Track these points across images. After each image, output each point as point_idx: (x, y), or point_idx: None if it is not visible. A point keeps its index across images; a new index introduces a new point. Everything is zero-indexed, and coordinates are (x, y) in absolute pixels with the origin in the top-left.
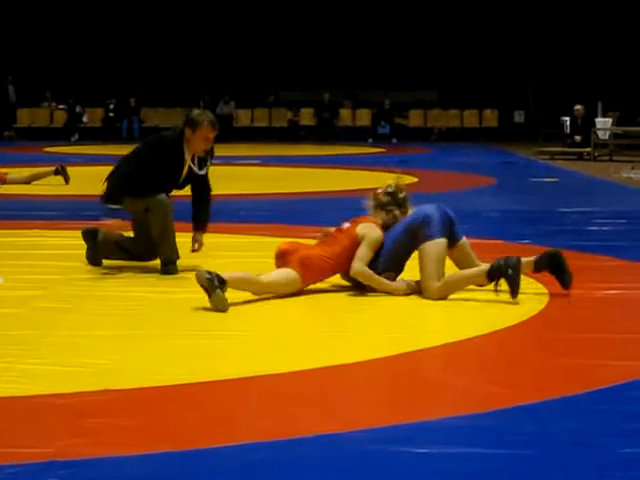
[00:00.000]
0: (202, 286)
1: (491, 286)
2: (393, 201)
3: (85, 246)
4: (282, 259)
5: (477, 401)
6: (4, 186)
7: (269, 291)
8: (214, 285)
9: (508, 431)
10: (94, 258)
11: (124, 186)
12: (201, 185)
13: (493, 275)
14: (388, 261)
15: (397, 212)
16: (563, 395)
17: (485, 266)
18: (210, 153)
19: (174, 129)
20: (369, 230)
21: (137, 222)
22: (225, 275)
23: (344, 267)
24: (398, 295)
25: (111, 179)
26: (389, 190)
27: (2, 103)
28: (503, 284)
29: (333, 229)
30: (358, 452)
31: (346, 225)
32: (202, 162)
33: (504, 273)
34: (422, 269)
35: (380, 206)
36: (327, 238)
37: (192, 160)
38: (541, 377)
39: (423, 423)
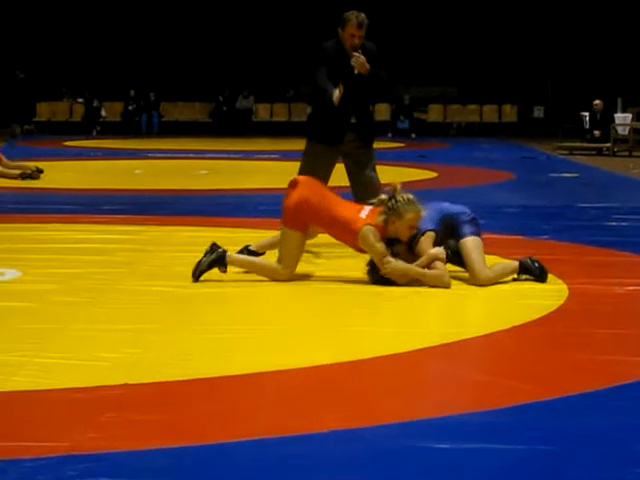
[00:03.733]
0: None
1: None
2: (386, 209)
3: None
4: (292, 188)
5: (495, 397)
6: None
7: (260, 273)
8: (210, 251)
9: (526, 427)
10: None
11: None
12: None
13: (523, 270)
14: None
15: (393, 218)
16: (582, 391)
17: (514, 261)
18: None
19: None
20: (367, 244)
21: None
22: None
23: (333, 230)
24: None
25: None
26: (382, 199)
27: (21, 98)
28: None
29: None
30: (374, 448)
31: (365, 212)
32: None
33: (533, 269)
34: (473, 261)
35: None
36: (348, 202)
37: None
38: (560, 373)
39: (441, 418)
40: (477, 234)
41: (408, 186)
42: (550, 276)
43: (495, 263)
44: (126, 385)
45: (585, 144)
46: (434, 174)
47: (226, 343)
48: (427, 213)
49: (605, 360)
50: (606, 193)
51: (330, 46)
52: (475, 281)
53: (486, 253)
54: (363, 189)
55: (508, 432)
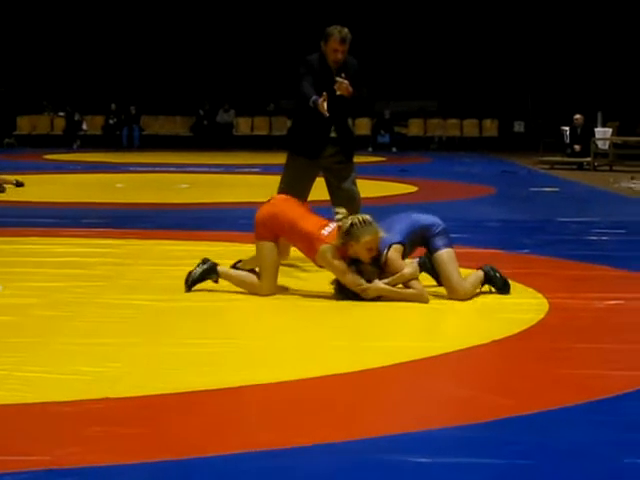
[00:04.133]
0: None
1: (491, 296)
2: (342, 236)
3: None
4: (265, 203)
5: (476, 411)
6: None
7: (242, 287)
8: (201, 265)
9: (507, 441)
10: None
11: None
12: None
13: (485, 280)
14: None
15: (350, 242)
16: (562, 405)
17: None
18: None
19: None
20: (325, 262)
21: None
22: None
23: (296, 244)
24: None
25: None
26: (339, 219)
27: (2, 111)
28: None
29: (323, 220)
30: (357, 461)
31: (328, 229)
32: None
33: (492, 276)
34: (450, 275)
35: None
36: (315, 218)
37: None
38: (540, 387)
39: (422, 432)
40: (450, 246)
41: (389, 200)
42: (530, 290)
43: (466, 275)
44: (108, 399)
45: (566, 158)
46: (415, 188)
47: (207, 357)
48: (394, 226)
49: (585, 374)
50: (586, 207)
51: (314, 59)
52: (454, 295)
53: (465, 267)
54: (344, 203)
55: (488, 446)
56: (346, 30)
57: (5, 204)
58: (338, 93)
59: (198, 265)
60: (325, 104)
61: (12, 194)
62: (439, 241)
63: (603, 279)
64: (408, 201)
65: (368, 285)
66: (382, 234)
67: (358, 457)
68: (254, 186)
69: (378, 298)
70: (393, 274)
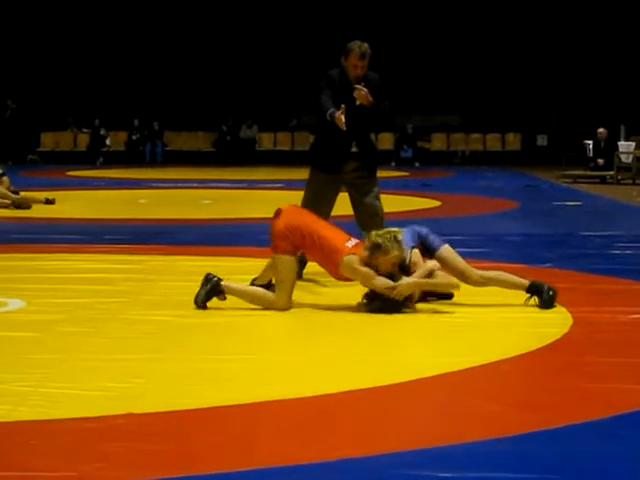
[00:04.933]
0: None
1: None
2: (372, 246)
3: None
4: (277, 217)
5: (501, 425)
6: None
7: (255, 302)
8: (206, 282)
9: (533, 455)
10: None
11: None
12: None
13: (533, 289)
14: None
15: (378, 255)
16: (588, 420)
17: (526, 280)
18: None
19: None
20: (351, 270)
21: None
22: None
23: (316, 256)
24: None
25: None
26: (369, 238)
27: (25, 127)
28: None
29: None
30: (378, 477)
31: (352, 242)
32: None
33: (545, 292)
34: (458, 265)
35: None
36: (337, 230)
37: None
38: (565, 401)
39: (447, 447)
40: (444, 242)
41: (412, 215)
42: (554, 304)
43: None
44: (130, 415)
45: (588, 172)
46: (438, 203)
47: (230, 373)
48: (407, 235)
49: (610, 388)
50: (609, 221)
51: (334, 73)
52: (467, 281)
53: None
54: (367, 218)
55: (514, 461)
56: (366, 45)
57: (29, 221)
58: (358, 103)
59: (201, 286)
60: (343, 117)
61: (37, 211)
62: (434, 241)
63: (627, 293)
64: (431, 215)
65: (399, 283)
66: (405, 253)
67: (383, 472)
68: (277, 201)
69: (405, 302)
70: None
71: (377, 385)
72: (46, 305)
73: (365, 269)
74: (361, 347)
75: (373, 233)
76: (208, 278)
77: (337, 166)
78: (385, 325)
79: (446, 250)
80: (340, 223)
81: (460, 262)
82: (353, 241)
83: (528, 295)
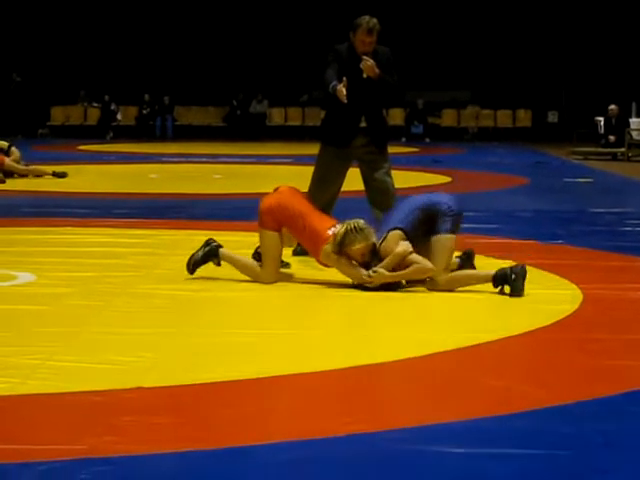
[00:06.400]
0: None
1: (526, 286)
2: (336, 244)
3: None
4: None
5: (511, 401)
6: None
7: (243, 272)
8: (205, 245)
9: (543, 431)
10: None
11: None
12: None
13: (498, 280)
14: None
15: (343, 249)
16: (598, 396)
17: (491, 271)
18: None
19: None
20: (331, 260)
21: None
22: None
23: (301, 237)
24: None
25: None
26: (334, 233)
27: (34, 101)
28: (507, 289)
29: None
30: (390, 451)
31: (334, 229)
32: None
33: (509, 279)
34: (434, 259)
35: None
36: (324, 217)
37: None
38: (575, 378)
39: (457, 423)
40: (452, 232)
41: (422, 191)
42: (564, 281)
43: (463, 272)
44: (140, 388)
45: (599, 149)
46: (448, 179)
47: (240, 347)
48: (394, 215)
49: (620, 365)
50: (621, 198)
51: (342, 48)
52: (432, 282)
53: (500, 257)
54: (377, 195)
55: (525, 437)
56: (375, 21)
57: (39, 194)
58: (365, 75)
59: (201, 247)
60: (344, 90)
61: (46, 184)
62: (444, 225)
63: (638, 270)
64: (442, 192)
65: (370, 274)
66: (374, 239)
67: (394, 447)
68: (287, 177)
69: (389, 286)
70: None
71: (387, 360)
72: (56, 279)
73: (342, 260)
74: (370, 323)
75: (338, 226)
76: (208, 242)
77: (346, 140)
78: (394, 301)
79: (442, 240)
80: (351, 199)
81: (441, 260)
82: (335, 228)
83: (499, 288)
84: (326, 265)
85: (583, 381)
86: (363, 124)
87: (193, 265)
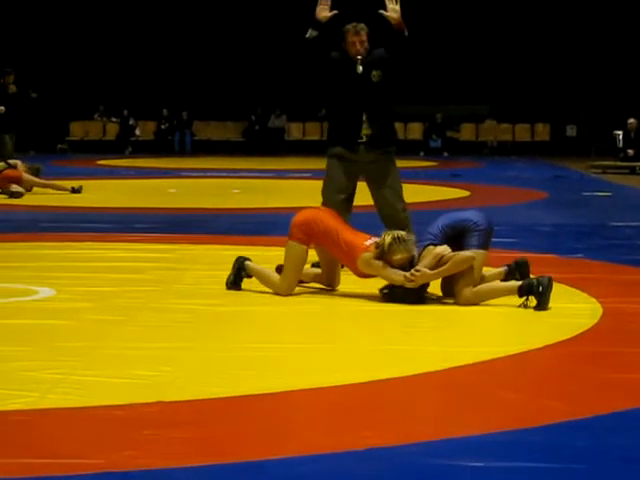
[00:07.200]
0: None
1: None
2: (379, 252)
3: None
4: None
5: (529, 415)
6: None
7: (264, 283)
8: (235, 262)
9: (560, 445)
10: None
11: None
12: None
13: (524, 291)
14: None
15: (385, 257)
16: (616, 410)
17: (517, 282)
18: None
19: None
20: (370, 266)
21: None
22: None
23: (336, 251)
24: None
25: None
26: (376, 242)
27: (53, 117)
28: (532, 301)
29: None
30: (410, 465)
31: (370, 241)
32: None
33: (535, 290)
34: (462, 275)
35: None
36: (358, 232)
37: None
38: (594, 392)
39: (476, 437)
40: (483, 247)
41: (441, 205)
42: (583, 295)
43: (488, 285)
44: (160, 403)
45: (618, 163)
46: (467, 193)
47: (260, 361)
48: (427, 231)
49: (639, 379)
50: (639, 212)
51: (335, 54)
52: (457, 298)
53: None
54: (386, 217)
55: (543, 451)
56: (362, 24)
57: (59, 209)
58: (359, 71)
59: (232, 267)
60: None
61: (65, 199)
62: (474, 240)
63: None
64: (460, 206)
65: (413, 272)
66: (415, 252)
67: (412, 461)
68: (306, 191)
69: (426, 290)
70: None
71: (405, 374)
72: (76, 293)
73: (381, 263)
74: (388, 337)
75: (383, 235)
76: (237, 259)
77: (349, 146)
78: (414, 315)
79: (472, 257)
80: (365, 214)
81: (466, 279)
82: (372, 239)
83: (524, 298)
84: (362, 274)
85: (602, 395)
86: (366, 131)
87: (229, 287)
